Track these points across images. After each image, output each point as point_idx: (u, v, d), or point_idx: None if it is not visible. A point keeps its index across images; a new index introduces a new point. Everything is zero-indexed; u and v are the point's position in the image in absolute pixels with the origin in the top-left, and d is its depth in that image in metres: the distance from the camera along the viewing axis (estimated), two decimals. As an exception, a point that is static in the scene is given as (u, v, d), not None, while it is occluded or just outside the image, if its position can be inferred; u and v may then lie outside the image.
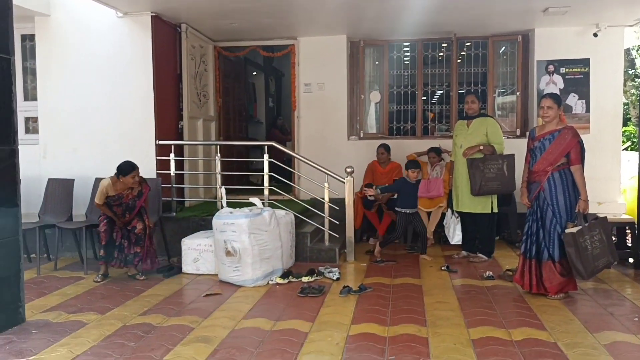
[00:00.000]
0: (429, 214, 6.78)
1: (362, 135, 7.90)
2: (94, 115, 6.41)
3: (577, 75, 7.23)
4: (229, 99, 8.43)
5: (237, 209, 5.27)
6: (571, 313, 4.13)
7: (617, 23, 7.01)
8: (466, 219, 5.98)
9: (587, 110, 7.22)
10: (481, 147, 5.67)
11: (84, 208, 6.10)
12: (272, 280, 5.13)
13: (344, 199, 5.97)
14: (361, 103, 7.96)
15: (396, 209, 5.99)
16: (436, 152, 6.94)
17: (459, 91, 7.73)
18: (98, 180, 5.98)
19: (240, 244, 5.00)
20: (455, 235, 6.18)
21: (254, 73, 10.47)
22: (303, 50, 7.75)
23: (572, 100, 7.24)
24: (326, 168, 6.08)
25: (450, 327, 3.84)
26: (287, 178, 6.82)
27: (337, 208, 6.06)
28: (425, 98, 7.91)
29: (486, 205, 5.77)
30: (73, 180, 6.19)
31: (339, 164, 6.58)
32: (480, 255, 5.94)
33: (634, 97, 10.37)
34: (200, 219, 6.14)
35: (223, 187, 5.80)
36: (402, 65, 8.02)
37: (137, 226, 5.23)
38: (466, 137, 5.81)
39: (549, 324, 3.89)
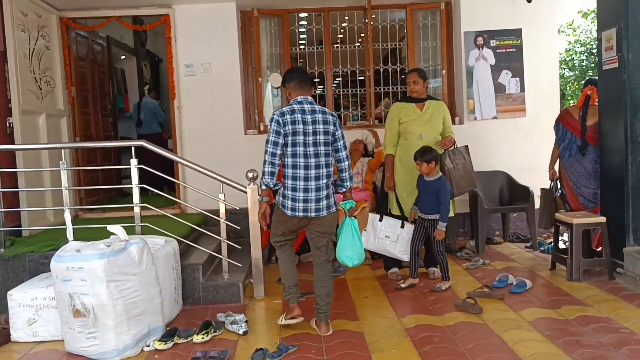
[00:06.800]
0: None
1: (262, 128, 6.35)
2: None
3: (509, 49, 6.21)
4: (86, 88, 6.52)
5: (90, 242, 3.54)
6: (578, 364, 2.95)
7: (552, -13, 6.09)
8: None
9: (522, 89, 6.24)
10: (453, 138, 4.64)
11: None
12: (148, 346, 3.48)
13: (246, 209, 4.42)
14: (259, 88, 6.41)
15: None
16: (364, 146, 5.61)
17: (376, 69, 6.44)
18: None
19: (95, 298, 3.30)
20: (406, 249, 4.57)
21: (122, 57, 8.54)
22: (181, 22, 6.04)
23: (505, 78, 6.22)
24: (220, 174, 4.50)
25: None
26: (170, 188, 5.14)
27: (238, 228, 4.52)
28: (336, 81, 6.56)
29: (452, 207, 4.60)
30: None
31: (236, 165, 5.09)
32: (436, 269, 4.74)
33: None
34: (42, 255, 4.30)
35: (67, 210, 4.02)
36: (306, 41, 6.60)
37: None
38: (424, 124, 4.60)
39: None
